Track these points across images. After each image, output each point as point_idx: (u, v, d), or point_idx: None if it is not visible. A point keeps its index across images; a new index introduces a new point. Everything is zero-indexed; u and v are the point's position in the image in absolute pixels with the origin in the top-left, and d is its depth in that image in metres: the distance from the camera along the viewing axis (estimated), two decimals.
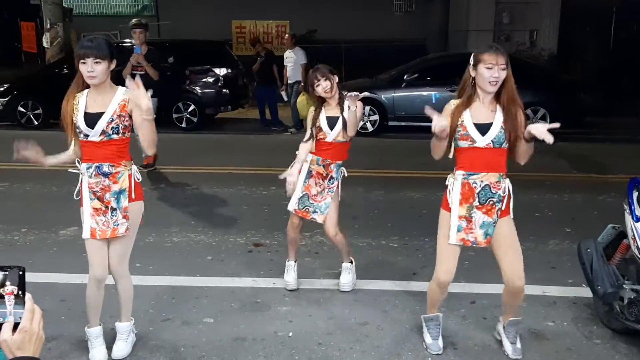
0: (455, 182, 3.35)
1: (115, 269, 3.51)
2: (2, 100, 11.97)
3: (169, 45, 12.63)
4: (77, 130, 3.34)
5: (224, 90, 12.06)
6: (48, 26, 13.57)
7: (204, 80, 11.98)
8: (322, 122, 4.24)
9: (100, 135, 3.30)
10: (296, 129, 11.44)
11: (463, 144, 3.29)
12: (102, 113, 3.29)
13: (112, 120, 3.29)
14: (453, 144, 3.32)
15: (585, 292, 4.09)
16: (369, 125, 11.42)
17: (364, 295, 4.42)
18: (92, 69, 3.19)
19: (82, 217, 3.44)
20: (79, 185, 3.44)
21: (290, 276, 4.53)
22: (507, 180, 3.37)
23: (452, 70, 11.51)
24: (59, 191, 7.24)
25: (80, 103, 3.32)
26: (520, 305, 3.65)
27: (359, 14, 18.86)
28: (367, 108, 11.33)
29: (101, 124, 3.28)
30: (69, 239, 5.61)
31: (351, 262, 4.56)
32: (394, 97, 11.52)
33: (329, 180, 4.29)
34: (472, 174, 3.30)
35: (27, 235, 5.67)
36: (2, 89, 12.24)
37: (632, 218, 3.59)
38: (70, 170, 3.52)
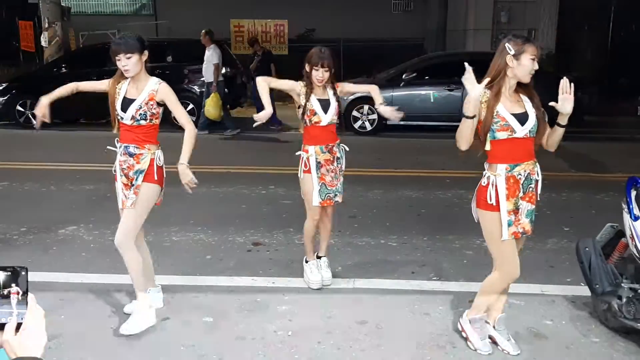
0: (498, 178, 3.28)
1: (119, 239, 3.76)
2: (1, 99, 11.96)
3: (167, 44, 12.64)
4: (116, 113, 3.76)
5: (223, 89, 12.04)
6: (46, 25, 13.55)
7: (202, 79, 11.96)
8: (315, 105, 4.24)
9: (130, 119, 3.70)
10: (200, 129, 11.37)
11: (502, 135, 3.23)
12: (135, 100, 3.69)
13: (141, 107, 3.68)
14: (489, 136, 3.27)
15: (584, 290, 4.10)
16: (367, 124, 11.43)
17: (363, 294, 4.43)
18: (125, 63, 3.60)
19: (117, 190, 3.83)
20: (116, 161, 3.81)
21: (317, 275, 4.52)
22: (537, 164, 3.39)
23: (450, 70, 11.60)
24: (58, 190, 7.25)
25: (122, 89, 3.75)
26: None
27: (357, 13, 18.87)
28: (366, 107, 11.35)
29: (131, 110, 3.68)
30: (67, 238, 5.62)
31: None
32: (392, 96, 11.50)
33: (337, 161, 4.38)
34: (515, 166, 3.27)
35: (26, 235, 5.67)
36: (0, 88, 12.24)
37: (630, 217, 3.60)
38: (108, 147, 3.91)
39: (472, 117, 3.21)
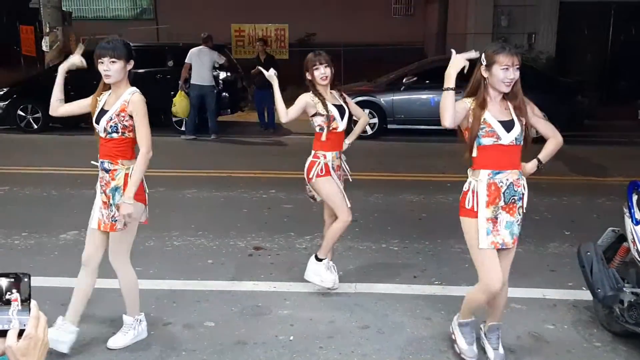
0: (479, 184, 3.25)
1: (111, 262, 3.69)
2: (2, 104, 11.94)
3: (168, 49, 12.65)
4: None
5: (224, 93, 12.05)
6: (47, 30, 13.56)
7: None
8: (334, 111, 4.23)
9: (103, 132, 3.51)
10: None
11: (487, 141, 3.21)
12: (108, 110, 3.52)
13: (111, 119, 3.47)
14: (475, 142, 3.24)
15: (585, 295, 4.10)
16: (368, 128, 11.42)
17: (364, 299, 4.43)
18: (108, 67, 3.41)
19: (93, 207, 3.65)
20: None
21: (332, 274, 4.47)
22: (524, 177, 3.34)
23: None
24: (59, 195, 7.25)
25: (102, 99, 3.57)
26: (501, 310, 3.58)
27: (357, 17, 18.90)
28: (367, 111, 11.35)
29: (102, 122, 3.48)
30: (69, 242, 5.62)
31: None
32: (393, 100, 11.54)
33: (341, 169, 4.41)
34: (498, 173, 3.23)
35: (27, 239, 5.67)
36: (1, 92, 12.22)
37: (632, 221, 3.60)
38: (92, 162, 3.68)
39: (452, 89, 3.16)
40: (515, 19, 15.30)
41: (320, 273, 4.45)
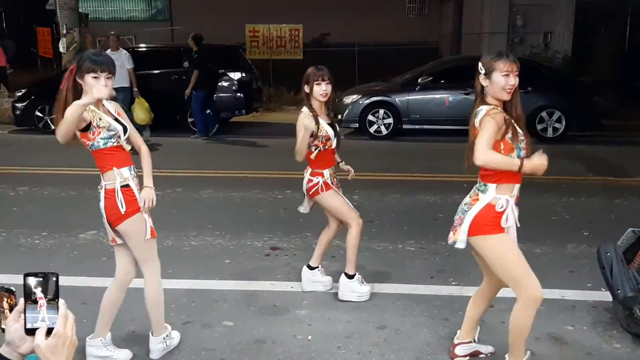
0: None
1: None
2: (20, 105, 12.10)
3: (183, 50, 12.71)
4: (115, 136, 3.45)
5: (238, 94, 12.10)
6: (64, 31, 13.68)
7: (218, 84, 12.02)
8: (329, 131, 4.24)
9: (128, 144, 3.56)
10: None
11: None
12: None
13: None
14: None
15: (605, 296, 4.07)
16: (383, 128, 11.43)
17: (381, 299, 4.43)
18: (106, 83, 3.22)
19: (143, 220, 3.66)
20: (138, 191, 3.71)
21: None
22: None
23: (466, 73, 11.53)
24: (78, 195, 7.31)
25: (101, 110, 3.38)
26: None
27: (372, 17, 18.90)
28: (382, 111, 11.37)
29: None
30: (88, 242, 5.67)
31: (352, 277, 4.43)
32: (408, 100, 11.52)
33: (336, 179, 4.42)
34: None
35: (47, 239, 5.73)
36: (19, 94, 12.40)
37: None
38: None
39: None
40: (531, 18, 15.23)
41: (355, 289, 4.40)
